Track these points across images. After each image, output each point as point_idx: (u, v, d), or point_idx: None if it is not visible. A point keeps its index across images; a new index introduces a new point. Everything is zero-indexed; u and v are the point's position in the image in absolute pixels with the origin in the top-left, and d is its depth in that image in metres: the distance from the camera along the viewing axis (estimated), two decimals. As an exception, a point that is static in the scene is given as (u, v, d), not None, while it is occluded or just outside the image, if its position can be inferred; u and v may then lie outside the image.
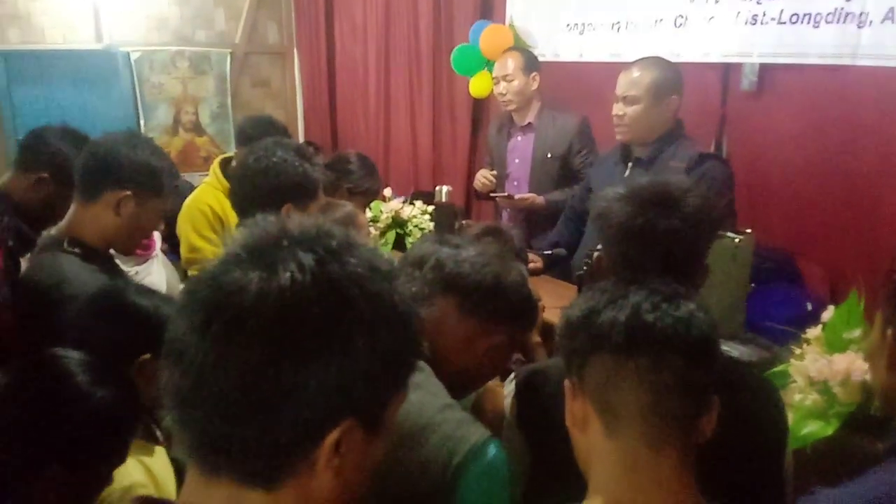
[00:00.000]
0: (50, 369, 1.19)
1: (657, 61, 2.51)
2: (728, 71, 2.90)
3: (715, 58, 2.88)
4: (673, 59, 2.98)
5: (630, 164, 2.55)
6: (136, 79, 5.08)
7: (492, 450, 1.13)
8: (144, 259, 2.31)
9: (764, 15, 2.71)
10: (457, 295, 1.29)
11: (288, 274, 0.64)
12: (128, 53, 5.04)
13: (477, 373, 1.35)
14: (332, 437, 0.66)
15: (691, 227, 1.28)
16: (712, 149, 2.96)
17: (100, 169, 1.73)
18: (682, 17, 2.98)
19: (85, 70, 4.89)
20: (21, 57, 4.72)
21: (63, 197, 1.83)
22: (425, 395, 1.19)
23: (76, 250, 1.70)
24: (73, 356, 1.22)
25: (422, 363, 1.23)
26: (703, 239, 1.34)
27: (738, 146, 2.92)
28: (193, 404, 0.65)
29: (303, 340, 0.63)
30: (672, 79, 2.46)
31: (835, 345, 1.61)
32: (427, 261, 1.37)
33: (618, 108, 2.49)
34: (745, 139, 2.91)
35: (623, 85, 2.48)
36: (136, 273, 2.16)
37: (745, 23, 2.75)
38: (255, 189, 1.81)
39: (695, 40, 2.94)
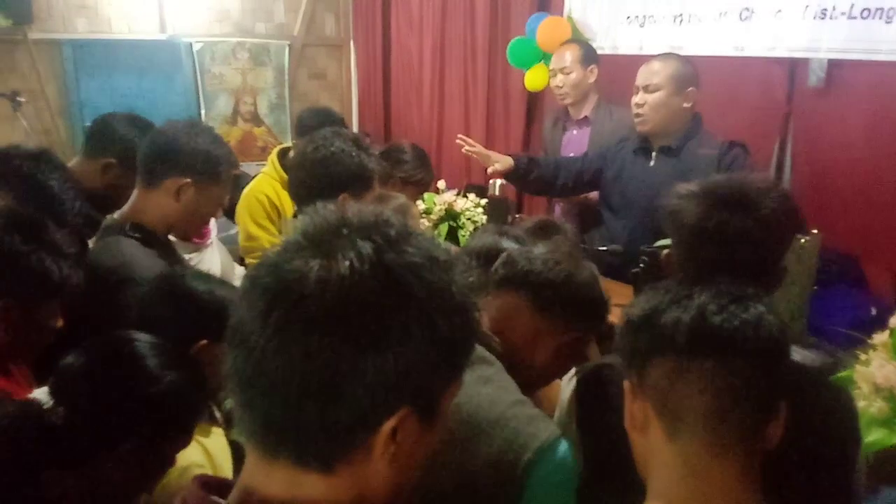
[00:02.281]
0: (124, 351, 1.23)
1: (675, 55, 2.65)
2: (795, 66, 2.81)
3: (781, 52, 2.79)
4: (737, 54, 2.93)
5: (654, 154, 2.61)
6: (197, 69, 5.19)
7: (562, 448, 1.13)
8: (200, 246, 2.35)
9: (833, 9, 2.61)
10: (528, 292, 1.29)
11: (347, 262, 0.65)
12: (190, 44, 5.15)
13: (545, 371, 1.35)
14: (389, 424, 0.67)
15: (767, 230, 1.24)
16: (776, 147, 2.87)
17: (161, 156, 1.77)
18: (747, 9, 2.89)
19: (149, 60, 5.02)
20: (88, 46, 4.87)
21: (128, 182, 1.88)
22: (496, 389, 1.19)
23: (137, 235, 1.75)
24: (144, 339, 1.26)
25: (493, 357, 1.24)
26: (779, 242, 1.30)
27: (804, 145, 2.82)
28: (255, 388, 0.66)
29: (361, 328, 0.64)
30: (690, 72, 2.56)
31: (903, 351, 1.55)
32: (489, 253, 1.36)
33: (638, 98, 2.58)
34: (811, 138, 2.81)
35: (644, 75, 2.58)
36: (191, 259, 2.20)
37: (814, 17, 2.66)
38: (312, 178, 1.84)
39: (760, 34, 2.85)
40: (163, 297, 1.45)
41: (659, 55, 2.67)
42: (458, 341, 0.70)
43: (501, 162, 2.81)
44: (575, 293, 1.29)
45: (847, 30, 2.57)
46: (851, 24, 2.56)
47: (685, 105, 2.55)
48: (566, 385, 1.49)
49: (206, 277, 1.55)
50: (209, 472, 1.32)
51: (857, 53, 2.56)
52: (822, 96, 2.73)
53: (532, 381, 1.33)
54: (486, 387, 1.18)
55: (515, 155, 2.93)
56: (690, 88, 2.54)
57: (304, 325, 0.64)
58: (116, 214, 1.82)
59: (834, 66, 2.68)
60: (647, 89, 2.56)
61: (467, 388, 1.16)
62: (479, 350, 1.24)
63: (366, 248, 0.66)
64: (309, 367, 0.64)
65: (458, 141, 2.87)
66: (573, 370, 1.47)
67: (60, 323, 1.47)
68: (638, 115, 2.59)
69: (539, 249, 1.33)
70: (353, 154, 1.84)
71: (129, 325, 1.33)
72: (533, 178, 2.86)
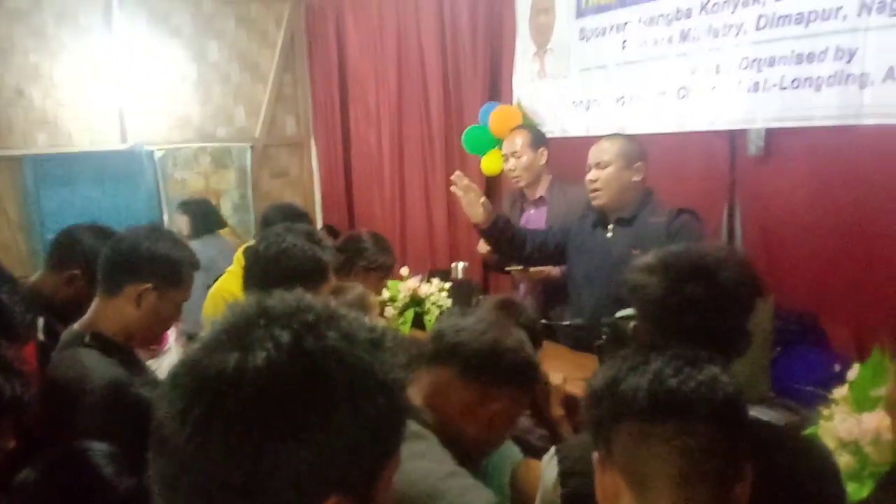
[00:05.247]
0: (76, 462, 1.21)
1: (622, 135, 2.82)
2: (734, 137, 2.94)
3: (720, 126, 2.93)
4: (678, 129, 3.06)
5: (611, 226, 2.72)
6: (159, 175, 5.25)
7: None
8: (158, 352, 2.32)
9: (766, 82, 2.76)
10: (457, 363, 1.33)
11: (264, 353, 0.64)
12: (152, 152, 5.22)
13: (484, 440, 1.37)
14: None
15: (730, 298, 1.29)
16: (724, 214, 2.98)
17: (121, 263, 1.77)
18: (684, 88, 3.05)
19: (110, 170, 5.07)
20: (48, 160, 4.91)
21: (94, 293, 1.87)
22: (429, 463, 1.21)
23: (96, 344, 1.73)
24: (97, 448, 1.23)
25: (426, 432, 1.26)
26: (743, 308, 1.34)
27: (750, 210, 2.93)
28: (178, 490, 0.65)
29: (280, 420, 0.63)
30: (637, 148, 2.71)
31: (862, 403, 1.57)
32: None
33: (591, 175, 2.71)
34: (757, 203, 2.92)
35: (595, 153, 2.72)
36: (150, 366, 2.18)
37: (748, 90, 2.81)
38: (266, 275, 1.85)
39: (699, 109, 2.99)
40: (109, 405, 1.43)
41: (607, 135, 2.82)
42: (386, 421, 0.69)
43: (486, 208, 2.82)
44: (501, 359, 1.33)
45: (780, 100, 2.72)
46: (783, 95, 2.70)
47: (635, 178, 2.67)
48: (547, 464, 1.48)
49: (156, 384, 1.54)
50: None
51: (792, 121, 2.70)
52: (763, 163, 2.86)
53: (472, 451, 1.35)
54: (419, 461, 1.19)
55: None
56: (638, 163, 2.67)
57: (222, 422, 0.62)
58: (77, 325, 1.80)
59: (771, 134, 2.82)
60: (598, 166, 2.69)
61: (401, 463, 1.19)
62: (413, 426, 1.25)
63: (283, 336, 0.65)
64: (230, 465, 0.62)
65: (453, 178, 2.86)
66: (552, 449, 1.47)
67: (13, 444, 1.42)
68: (593, 191, 2.70)
69: (466, 321, 1.37)
70: (306, 248, 1.87)
71: (85, 436, 1.30)
72: (508, 237, 2.90)
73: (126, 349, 1.83)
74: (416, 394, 1.35)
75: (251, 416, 0.62)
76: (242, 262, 2.79)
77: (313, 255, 1.88)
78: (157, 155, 5.24)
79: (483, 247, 3.29)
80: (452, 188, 2.87)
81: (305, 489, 0.64)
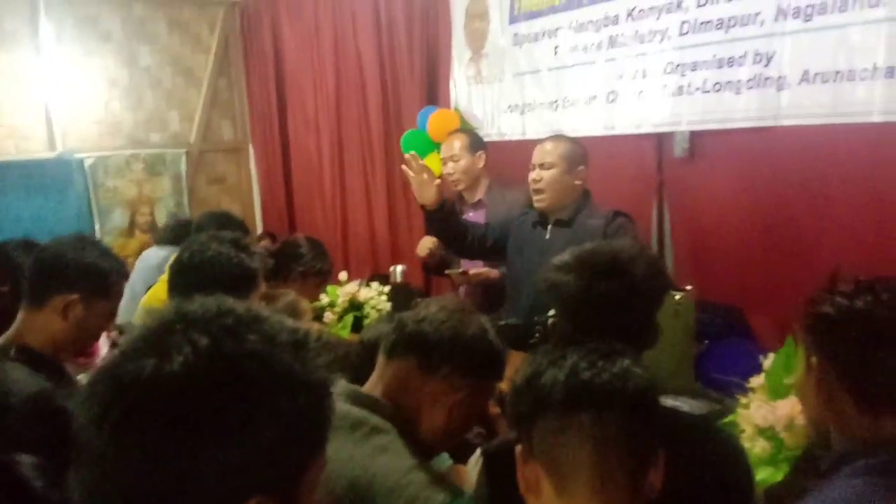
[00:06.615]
0: (4, 474, 1.18)
1: (566, 137, 2.82)
2: (661, 139, 3.04)
3: (647, 128, 3.03)
4: (608, 132, 3.15)
5: (550, 226, 2.73)
6: (90, 184, 5.10)
7: None
8: (89, 366, 2.26)
9: (689, 86, 2.87)
10: (417, 354, 1.30)
11: (181, 358, 0.65)
12: (81, 160, 5.07)
13: (448, 430, 1.34)
14: None
15: (642, 294, 1.34)
16: (654, 213, 3.07)
17: (47, 273, 1.73)
18: (613, 93, 3.14)
19: (38, 179, 4.88)
20: (-29, 170, 4.72)
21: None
22: (392, 457, 1.21)
23: (23, 358, 1.68)
24: (26, 461, 1.21)
25: (387, 425, 1.25)
26: (653, 303, 1.39)
27: (677, 209, 3.03)
28: (99, 497, 0.65)
29: (198, 423, 0.63)
30: (581, 152, 2.72)
31: (777, 391, 1.66)
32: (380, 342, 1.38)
33: (535, 175, 2.70)
34: (683, 202, 3.02)
35: (539, 154, 2.72)
36: (81, 380, 2.12)
37: (672, 94, 2.91)
38: (189, 285, 1.79)
39: (627, 113, 3.09)
40: (32, 417, 1.40)
41: (552, 136, 2.83)
42: (308, 422, 0.70)
43: (438, 189, 2.81)
44: (461, 348, 1.30)
45: (703, 103, 2.83)
46: (706, 98, 2.81)
47: (576, 182, 2.69)
48: (473, 468, 1.51)
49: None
50: None
51: (714, 123, 2.81)
52: (689, 164, 2.96)
53: (435, 442, 1.34)
54: (381, 456, 1.20)
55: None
56: (581, 167, 2.69)
57: (139, 428, 0.63)
58: (2, 339, 1.75)
59: (696, 136, 2.92)
60: (542, 167, 2.69)
61: (363, 459, 1.20)
62: (374, 419, 1.26)
63: (202, 340, 0.66)
64: (148, 471, 0.63)
65: (407, 157, 2.85)
66: (478, 451, 1.49)
67: None
68: (536, 192, 2.71)
69: (428, 311, 1.34)
70: (231, 255, 1.83)
71: (12, 449, 1.27)
72: (452, 224, 2.90)
73: (54, 362, 1.79)
74: (376, 386, 1.33)
75: (168, 420, 0.63)
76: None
77: (239, 263, 1.83)
78: (87, 162, 5.09)
79: (423, 249, 3.31)
80: (403, 167, 2.83)
81: (227, 490, 0.65)
